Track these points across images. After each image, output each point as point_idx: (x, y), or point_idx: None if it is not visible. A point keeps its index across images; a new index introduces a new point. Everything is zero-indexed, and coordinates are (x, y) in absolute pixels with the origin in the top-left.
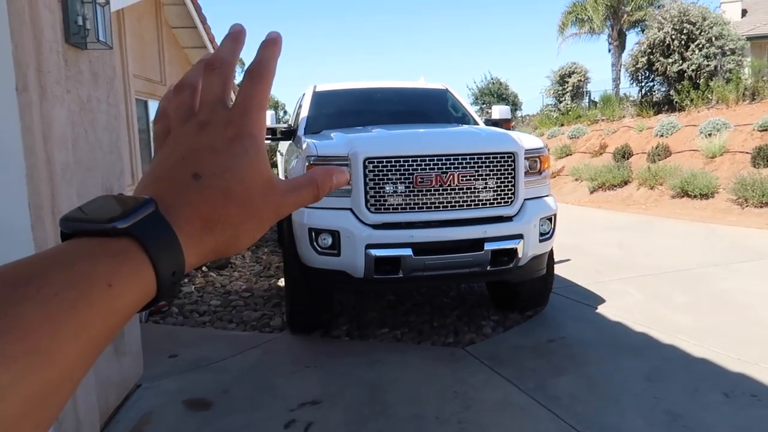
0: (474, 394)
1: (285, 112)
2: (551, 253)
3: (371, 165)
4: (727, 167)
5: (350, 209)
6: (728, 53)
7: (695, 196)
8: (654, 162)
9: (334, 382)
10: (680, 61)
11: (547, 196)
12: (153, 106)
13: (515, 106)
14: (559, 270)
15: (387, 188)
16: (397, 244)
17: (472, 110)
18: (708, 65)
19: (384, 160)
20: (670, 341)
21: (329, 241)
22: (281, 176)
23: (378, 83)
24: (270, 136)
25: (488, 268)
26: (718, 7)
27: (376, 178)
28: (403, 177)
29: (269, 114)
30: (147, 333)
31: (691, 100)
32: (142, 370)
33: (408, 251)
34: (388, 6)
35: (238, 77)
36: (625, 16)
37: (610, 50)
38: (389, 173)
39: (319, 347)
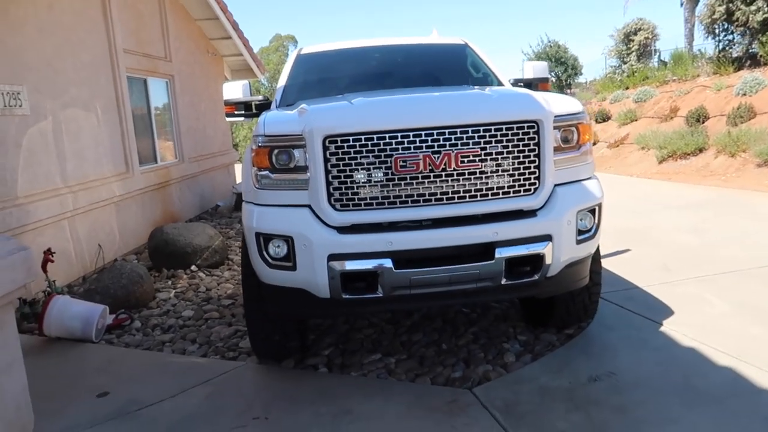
0: None
1: None
2: (597, 254)
3: (333, 146)
4: None
5: (308, 206)
6: None
7: None
8: (735, 125)
9: None
10: (765, 9)
11: (588, 178)
12: (153, 85)
13: (575, 70)
14: (613, 264)
15: (357, 177)
16: (371, 253)
17: (497, 69)
18: None
19: (350, 139)
20: None
21: (283, 250)
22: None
23: (377, 41)
24: (243, 113)
25: (503, 281)
26: None
27: (341, 163)
28: (378, 160)
29: (241, 84)
30: (89, 358)
31: None
32: (32, 427)
33: (387, 262)
34: None
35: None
36: None
37: (682, 4)
38: (359, 156)
39: (283, 386)
